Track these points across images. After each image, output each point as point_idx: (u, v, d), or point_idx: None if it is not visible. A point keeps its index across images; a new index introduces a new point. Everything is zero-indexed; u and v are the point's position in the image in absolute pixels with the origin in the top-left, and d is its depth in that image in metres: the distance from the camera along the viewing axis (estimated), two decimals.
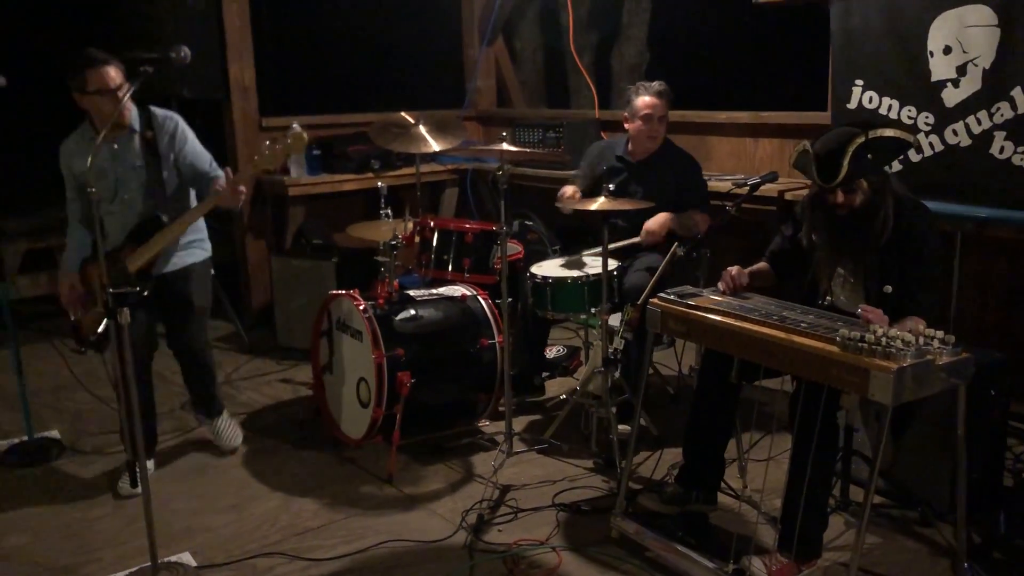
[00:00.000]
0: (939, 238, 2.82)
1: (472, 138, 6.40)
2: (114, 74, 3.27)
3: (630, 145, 4.12)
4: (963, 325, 3.76)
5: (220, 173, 3.47)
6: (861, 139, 2.62)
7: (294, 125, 3.18)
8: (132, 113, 3.44)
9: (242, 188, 3.31)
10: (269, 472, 3.63)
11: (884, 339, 2.35)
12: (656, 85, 4.03)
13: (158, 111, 3.53)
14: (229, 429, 3.88)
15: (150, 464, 3.62)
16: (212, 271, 3.84)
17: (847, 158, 2.61)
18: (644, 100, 3.99)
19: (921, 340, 2.39)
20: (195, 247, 3.66)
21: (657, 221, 3.91)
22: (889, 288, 2.76)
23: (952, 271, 3.62)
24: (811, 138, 2.76)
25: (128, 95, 3.02)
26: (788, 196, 4.15)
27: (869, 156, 2.64)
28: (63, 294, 3.57)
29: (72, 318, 3.60)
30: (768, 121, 4.75)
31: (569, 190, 4.19)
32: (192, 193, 3.64)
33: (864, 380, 2.30)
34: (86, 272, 3.56)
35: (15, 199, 5.57)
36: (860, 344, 2.35)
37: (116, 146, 3.44)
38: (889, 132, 2.69)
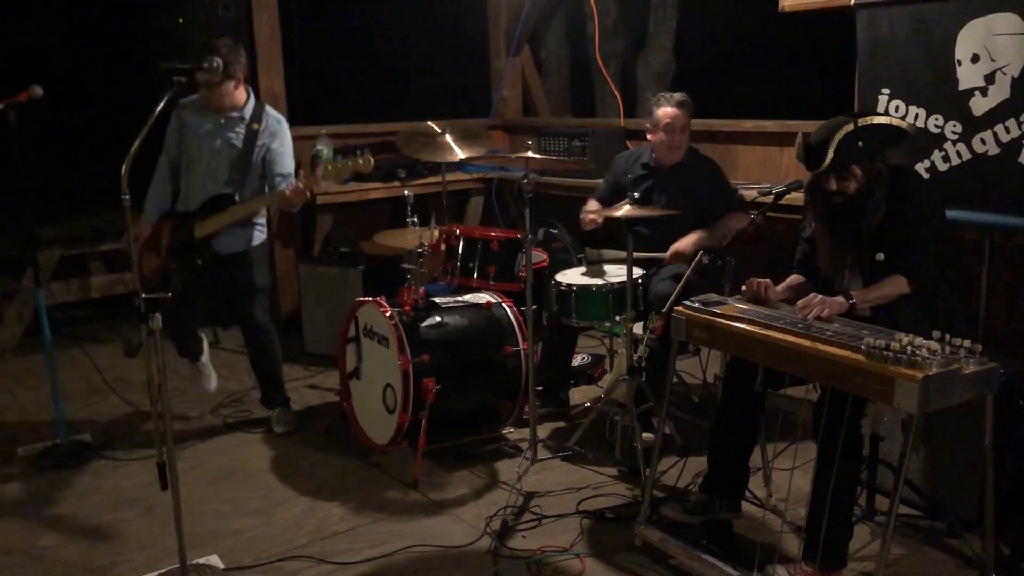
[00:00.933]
0: (932, 204, 2.87)
1: (498, 147, 6.43)
2: (202, 76, 3.67)
3: (655, 154, 4.13)
4: (991, 335, 3.73)
5: (292, 180, 3.83)
6: (849, 127, 2.72)
7: (366, 151, 3.59)
8: (248, 102, 3.88)
9: (307, 193, 3.74)
10: (297, 477, 3.67)
11: (910, 347, 2.35)
12: (677, 96, 4.05)
13: (272, 111, 3.94)
14: (282, 417, 4.12)
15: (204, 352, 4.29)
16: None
17: (832, 146, 2.70)
18: (665, 111, 4.01)
19: (947, 349, 2.39)
20: (256, 230, 3.99)
21: (688, 241, 3.92)
22: (881, 256, 2.81)
23: (981, 280, 3.59)
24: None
25: (220, 91, 3.65)
26: None
27: (860, 143, 2.72)
28: (133, 234, 3.72)
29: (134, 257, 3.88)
30: (794, 130, 4.67)
31: (593, 205, 4.21)
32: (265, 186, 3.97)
33: (890, 389, 2.30)
34: (160, 226, 3.97)
35: (50, 207, 5.68)
36: (885, 352, 2.34)
37: (223, 121, 3.85)
38: (880, 119, 2.80)
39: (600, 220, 4.00)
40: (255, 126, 3.84)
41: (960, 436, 3.03)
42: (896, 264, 2.80)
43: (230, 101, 3.82)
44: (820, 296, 2.71)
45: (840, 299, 2.72)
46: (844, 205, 2.82)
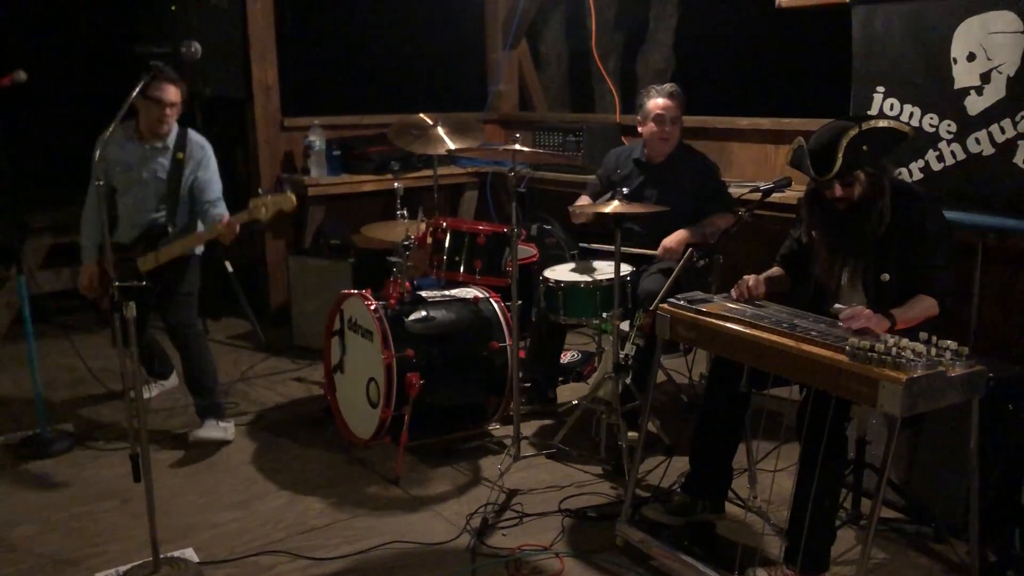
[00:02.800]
0: (940, 221, 2.80)
1: (493, 141, 6.38)
2: (174, 93, 3.65)
3: (646, 148, 4.09)
4: (983, 337, 3.68)
5: (220, 205, 3.82)
6: (855, 131, 2.64)
7: (289, 191, 3.52)
8: (172, 131, 3.77)
9: (237, 228, 3.61)
10: (277, 470, 3.63)
11: (895, 349, 2.30)
12: (668, 87, 4.02)
13: (194, 137, 3.85)
14: (207, 430, 3.88)
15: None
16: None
17: (841, 150, 2.61)
18: (656, 102, 3.97)
19: (933, 351, 2.35)
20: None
21: (675, 239, 3.87)
22: (887, 276, 2.75)
23: (973, 281, 3.54)
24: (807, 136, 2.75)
25: (175, 116, 3.53)
26: None
27: (864, 148, 2.64)
28: (84, 285, 3.90)
29: (92, 297, 3.95)
30: (790, 128, 4.68)
31: (583, 200, 4.17)
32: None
33: (873, 391, 2.26)
34: (102, 259, 3.83)
35: (40, 195, 5.64)
36: (870, 354, 2.30)
37: (147, 150, 3.77)
38: (882, 123, 2.72)
39: (590, 215, 3.96)
40: (180, 155, 3.78)
41: (948, 440, 2.99)
42: (907, 284, 2.72)
43: (169, 131, 3.75)
44: (868, 311, 2.57)
45: (884, 319, 2.59)
46: (846, 212, 2.75)
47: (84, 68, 5.96)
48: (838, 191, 2.71)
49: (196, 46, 2.61)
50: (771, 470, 3.29)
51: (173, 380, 4.50)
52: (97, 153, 3.60)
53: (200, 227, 3.90)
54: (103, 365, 4.72)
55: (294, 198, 3.51)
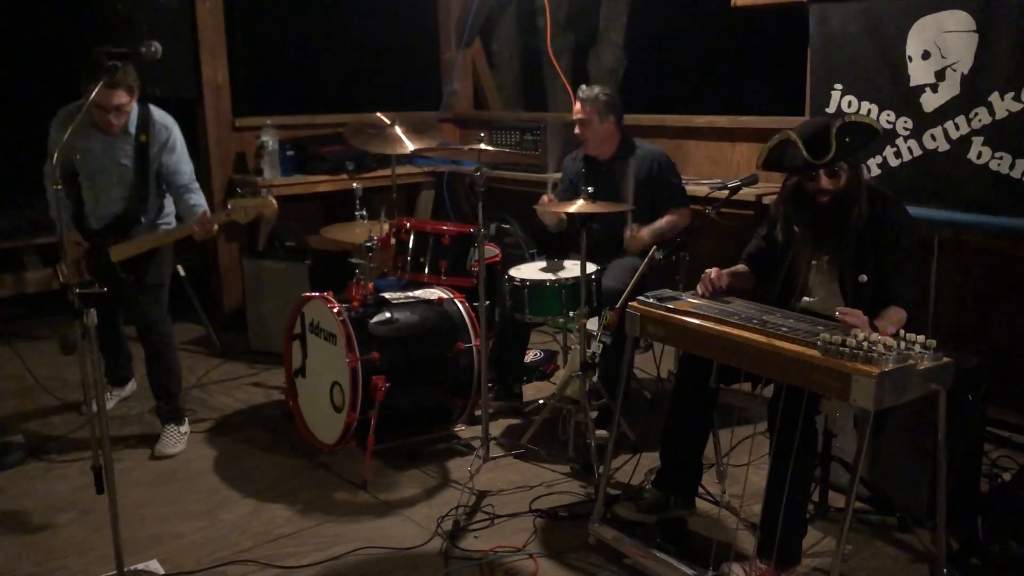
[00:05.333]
0: (913, 230, 2.85)
1: (448, 141, 6.34)
2: (120, 97, 3.42)
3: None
4: (940, 329, 3.77)
5: (195, 193, 3.68)
6: (840, 123, 2.69)
7: (270, 195, 3.43)
8: (131, 116, 3.56)
9: (216, 227, 3.53)
10: (240, 478, 3.55)
11: (866, 343, 2.33)
12: (583, 90, 4.06)
13: (157, 115, 3.67)
14: (169, 437, 3.82)
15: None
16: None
17: (834, 137, 2.65)
18: (575, 106, 4.05)
19: (903, 344, 2.38)
20: (162, 229, 3.79)
21: (646, 230, 3.91)
22: (864, 277, 2.79)
23: (929, 275, 3.62)
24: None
25: (126, 115, 3.36)
26: (765, 200, 4.14)
27: (847, 140, 2.69)
28: (72, 250, 3.62)
29: (63, 275, 3.76)
30: (746, 125, 4.75)
31: (545, 198, 4.16)
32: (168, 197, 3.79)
33: (846, 385, 2.28)
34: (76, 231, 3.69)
35: None
36: (841, 348, 2.33)
37: (110, 139, 3.57)
38: (863, 118, 2.81)
39: (558, 215, 3.98)
40: (143, 137, 3.60)
41: (908, 430, 3.04)
42: (885, 289, 2.77)
43: (125, 122, 3.56)
44: (866, 318, 2.57)
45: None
46: (828, 205, 2.77)
47: (31, 69, 5.77)
48: (824, 182, 2.74)
49: (156, 46, 2.51)
50: (740, 464, 3.34)
51: (131, 388, 4.38)
52: (52, 131, 3.56)
53: (172, 218, 3.80)
54: (52, 373, 4.59)
55: (275, 202, 3.44)
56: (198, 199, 3.69)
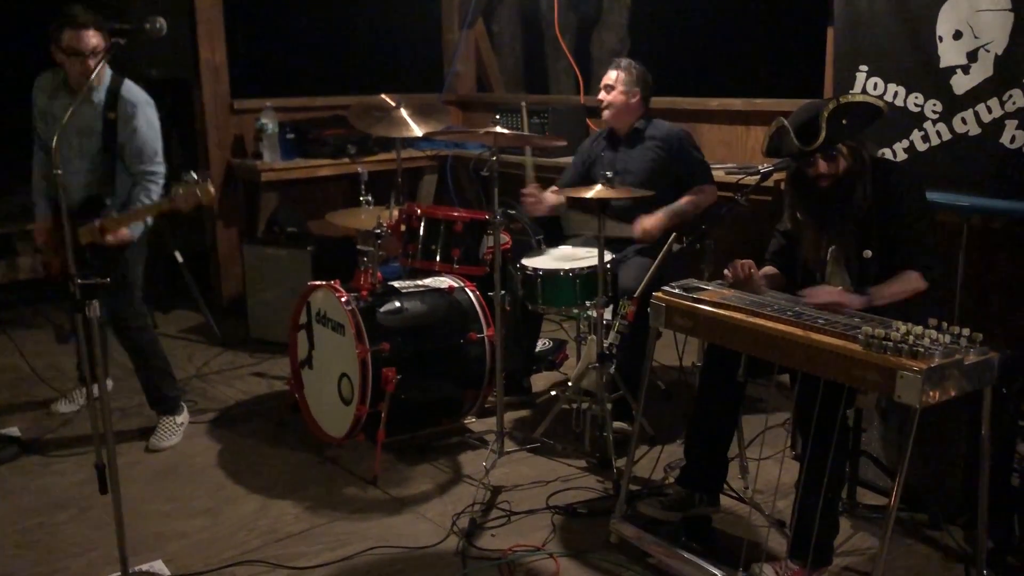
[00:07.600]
0: (920, 191, 2.78)
1: (451, 124, 6.20)
2: (91, 38, 3.26)
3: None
4: (966, 320, 3.66)
5: (152, 181, 3.50)
6: (833, 105, 2.64)
7: (208, 183, 3.18)
8: (103, 83, 3.43)
9: (124, 234, 3.42)
10: (246, 473, 3.44)
11: (911, 337, 2.22)
12: (621, 60, 3.98)
13: (127, 96, 3.47)
14: (165, 428, 3.71)
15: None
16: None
17: (824, 122, 2.60)
18: (607, 72, 3.95)
19: (947, 338, 2.28)
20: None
21: (654, 219, 3.76)
22: (869, 253, 2.72)
23: (957, 264, 3.51)
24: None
25: (100, 64, 3.03)
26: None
27: (844, 121, 2.64)
28: (39, 240, 3.64)
29: (43, 260, 3.68)
30: (761, 108, 4.62)
31: (531, 188, 4.05)
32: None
33: (890, 381, 2.17)
34: (54, 222, 3.61)
35: None
36: (885, 342, 2.22)
37: (79, 106, 3.34)
38: (859, 98, 2.75)
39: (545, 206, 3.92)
40: (111, 115, 3.41)
41: (940, 427, 2.94)
42: (890, 261, 2.69)
43: (98, 82, 3.40)
44: (830, 288, 2.56)
45: (857, 296, 2.58)
46: (830, 190, 2.72)
47: (24, 51, 5.61)
48: (822, 167, 2.69)
49: (161, 22, 2.37)
50: (756, 458, 3.24)
51: (107, 386, 4.19)
52: (33, 97, 3.45)
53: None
54: (49, 362, 4.45)
55: (212, 189, 3.18)
56: (144, 197, 3.48)
